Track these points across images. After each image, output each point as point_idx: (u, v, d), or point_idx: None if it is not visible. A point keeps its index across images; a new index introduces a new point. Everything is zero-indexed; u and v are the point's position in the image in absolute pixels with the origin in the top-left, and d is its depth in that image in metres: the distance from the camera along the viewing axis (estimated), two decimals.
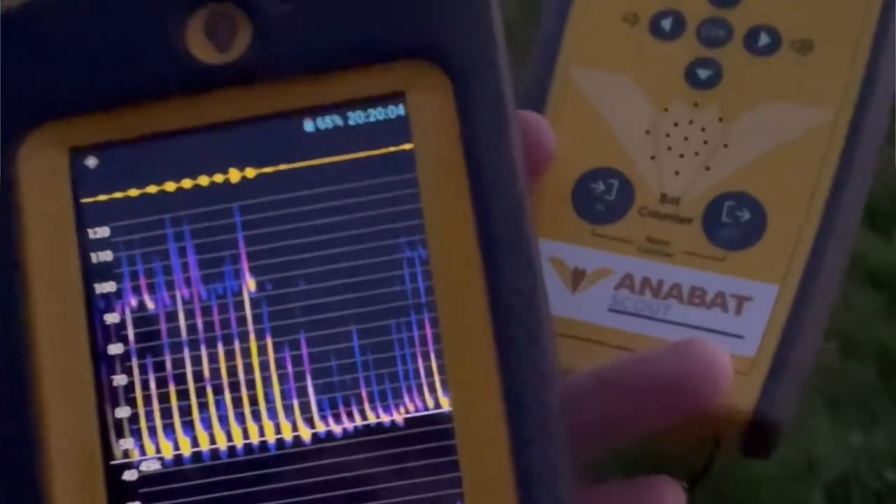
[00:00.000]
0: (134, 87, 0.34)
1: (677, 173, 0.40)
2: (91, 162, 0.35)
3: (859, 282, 1.92)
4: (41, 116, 0.34)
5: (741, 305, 0.38)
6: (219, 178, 0.34)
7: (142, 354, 0.34)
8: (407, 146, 0.34)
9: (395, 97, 0.34)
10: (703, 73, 0.41)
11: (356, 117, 0.35)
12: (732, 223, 0.39)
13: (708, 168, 0.40)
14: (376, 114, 0.35)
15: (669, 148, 0.40)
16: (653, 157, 0.40)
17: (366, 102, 0.34)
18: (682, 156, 0.40)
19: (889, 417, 1.79)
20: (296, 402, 0.33)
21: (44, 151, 0.34)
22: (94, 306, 0.34)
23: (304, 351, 0.34)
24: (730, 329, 0.38)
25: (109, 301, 0.34)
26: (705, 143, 0.40)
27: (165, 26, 0.34)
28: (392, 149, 0.34)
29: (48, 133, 0.34)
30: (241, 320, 0.34)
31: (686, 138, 0.40)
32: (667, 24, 0.42)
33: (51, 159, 0.34)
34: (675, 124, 0.40)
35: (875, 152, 0.41)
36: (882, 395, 1.81)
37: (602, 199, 0.40)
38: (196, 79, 0.34)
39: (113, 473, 0.33)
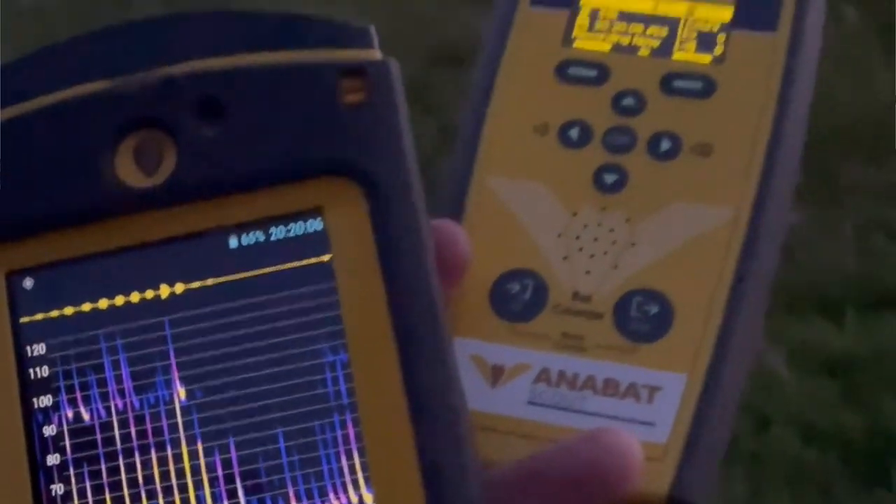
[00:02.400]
0: (67, 213, 0.36)
1: (588, 272, 0.42)
2: (28, 283, 0.37)
3: (815, 370, 1.95)
4: None
5: (652, 395, 0.41)
6: (150, 294, 0.36)
7: (78, 464, 0.35)
8: (326, 258, 0.36)
9: (314, 212, 0.37)
10: (609, 179, 0.43)
11: (278, 232, 0.37)
12: (641, 317, 0.42)
13: (617, 266, 0.42)
14: (296, 228, 0.37)
15: (580, 249, 0.43)
16: (565, 258, 0.43)
17: (286, 218, 0.37)
18: (592, 256, 0.42)
19: (852, 503, 1.81)
20: None
21: None
22: (33, 419, 0.36)
23: (234, 454, 0.35)
24: (642, 417, 0.40)
25: (47, 414, 0.36)
26: (614, 243, 0.43)
27: (96, 154, 0.36)
28: (312, 260, 0.37)
29: None
30: (173, 427, 0.35)
31: (595, 239, 0.43)
32: (574, 133, 0.44)
33: None
34: (585, 226, 0.43)
35: (776, 246, 0.44)
36: (845, 480, 1.83)
37: (518, 299, 0.42)
38: (125, 202, 0.36)
39: None
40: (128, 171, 0.37)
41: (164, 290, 0.36)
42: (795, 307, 2.04)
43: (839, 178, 2.32)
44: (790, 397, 1.91)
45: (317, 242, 0.37)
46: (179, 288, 0.36)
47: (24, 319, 0.36)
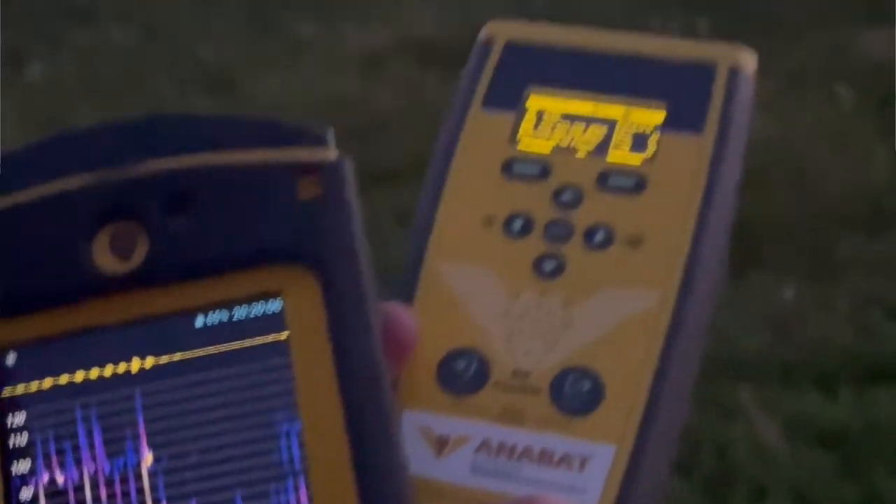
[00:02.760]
0: (49, 295, 0.40)
1: (527, 351, 0.46)
2: (10, 359, 0.41)
3: (810, 443, 1.97)
4: None
5: (584, 464, 0.45)
6: (122, 367, 0.40)
7: None
8: (283, 336, 0.41)
9: (273, 294, 0.41)
10: (548, 266, 0.48)
11: (240, 313, 0.41)
12: (575, 393, 0.46)
13: (553, 346, 0.46)
14: (257, 309, 0.41)
15: (521, 330, 0.47)
16: (507, 338, 0.47)
17: (248, 300, 0.41)
18: (531, 336, 0.47)
19: None
20: None
21: None
22: (11, 484, 0.40)
23: None
24: (574, 484, 0.44)
25: (24, 478, 0.40)
26: (551, 324, 0.47)
27: (76, 242, 0.41)
28: (270, 338, 0.41)
29: None
30: (140, 490, 0.40)
31: (534, 321, 0.47)
32: (517, 224, 0.49)
33: None
34: (526, 310, 0.47)
35: (702, 327, 0.48)
36: None
37: (463, 375, 0.46)
38: (102, 286, 0.41)
39: None
40: (104, 257, 0.41)
41: (136, 364, 0.40)
42: (791, 380, 2.07)
43: (834, 253, 2.35)
44: (786, 469, 1.93)
45: (275, 322, 0.41)
46: (149, 362, 0.40)
47: (5, 392, 0.40)
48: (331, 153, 0.42)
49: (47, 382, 0.40)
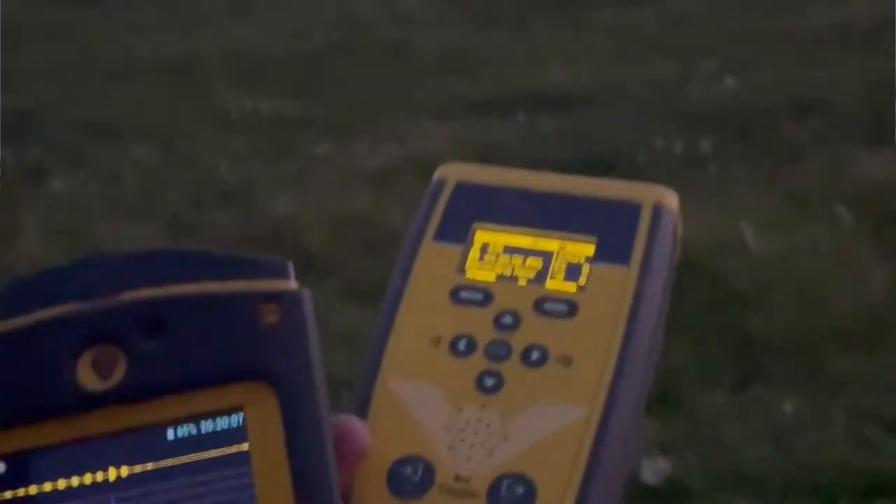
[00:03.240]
0: (36, 411, 0.45)
1: (468, 459, 0.51)
2: (0, 468, 0.45)
3: None
4: None
5: None
6: (100, 476, 0.45)
7: None
8: (245, 446, 0.45)
9: (236, 409, 0.46)
10: (489, 382, 0.53)
11: (206, 426, 0.46)
12: (510, 496, 0.51)
13: (492, 455, 0.51)
14: (222, 423, 0.46)
15: (462, 439, 0.52)
16: (450, 447, 0.52)
17: (214, 414, 0.46)
18: (472, 445, 0.52)
19: None
20: None
21: None
22: None
23: None
24: None
25: None
26: (490, 435, 0.52)
27: (62, 364, 0.46)
28: (233, 449, 0.45)
29: None
30: None
31: (475, 432, 0.52)
32: (462, 344, 0.54)
33: None
34: (468, 421, 0.52)
35: (627, 438, 0.53)
36: None
37: (410, 480, 0.51)
38: (84, 402, 0.45)
39: None
40: (87, 376, 0.46)
41: (112, 473, 0.45)
42: (790, 492, 2.10)
43: (833, 368, 2.39)
44: None
45: (237, 434, 0.46)
46: (125, 471, 0.45)
47: None
48: (291, 283, 0.47)
49: (32, 489, 0.45)
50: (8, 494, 0.45)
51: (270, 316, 0.46)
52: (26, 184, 3.54)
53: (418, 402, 0.53)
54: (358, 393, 0.54)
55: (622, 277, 0.55)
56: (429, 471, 0.51)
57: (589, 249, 0.56)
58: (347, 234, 2.96)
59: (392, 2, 5.18)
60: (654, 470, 2.14)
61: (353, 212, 3.11)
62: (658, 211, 0.56)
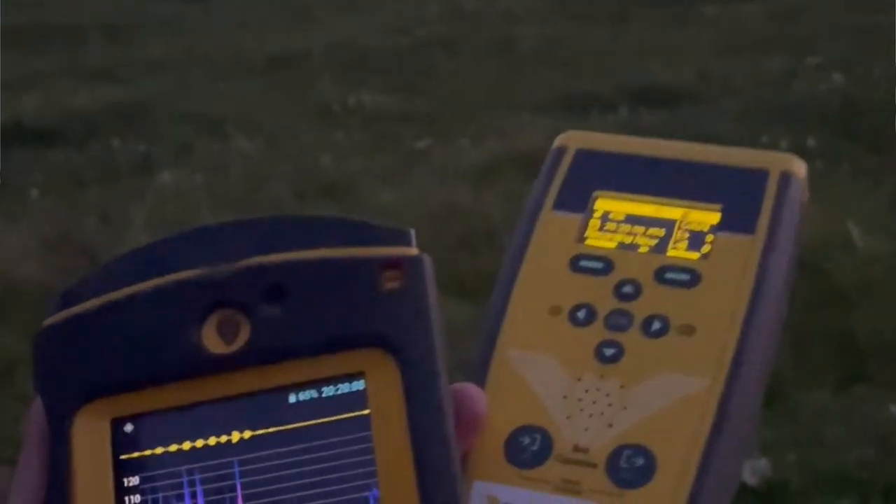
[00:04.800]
0: (161, 373, 0.46)
1: (587, 429, 0.51)
2: (128, 428, 0.46)
3: None
4: (90, 396, 0.46)
5: None
6: (223, 438, 0.45)
7: None
8: (365, 412, 0.45)
9: (357, 375, 0.46)
10: (608, 352, 0.52)
11: (328, 391, 0.46)
12: (629, 468, 0.50)
13: (611, 425, 0.51)
14: (343, 388, 0.46)
15: (581, 409, 0.51)
16: (568, 417, 0.51)
17: (335, 380, 0.46)
18: (591, 415, 0.51)
19: None
20: None
21: (91, 421, 0.46)
22: None
23: None
24: None
25: None
26: (609, 405, 0.51)
27: (188, 327, 0.46)
28: (353, 414, 0.45)
29: (96, 408, 0.46)
30: None
31: (594, 402, 0.51)
32: (582, 314, 0.53)
33: (96, 426, 0.46)
34: (586, 391, 0.52)
35: (748, 410, 0.52)
36: None
37: (528, 450, 0.51)
38: (209, 365, 0.46)
39: None
40: (212, 340, 0.46)
41: (235, 436, 0.45)
42: (892, 497, 2.05)
43: None
44: None
45: (358, 399, 0.46)
46: (248, 434, 0.45)
47: (123, 456, 0.46)
48: (412, 250, 0.47)
49: (158, 450, 0.46)
50: (135, 454, 0.46)
51: (391, 282, 0.46)
52: (134, 176, 3.60)
53: (536, 371, 0.52)
54: (475, 362, 0.53)
55: (747, 246, 0.53)
56: (547, 440, 0.51)
57: (714, 217, 0.55)
58: (447, 228, 2.97)
59: None
60: (753, 470, 2.11)
61: (454, 206, 3.11)
62: (785, 178, 0.55)
